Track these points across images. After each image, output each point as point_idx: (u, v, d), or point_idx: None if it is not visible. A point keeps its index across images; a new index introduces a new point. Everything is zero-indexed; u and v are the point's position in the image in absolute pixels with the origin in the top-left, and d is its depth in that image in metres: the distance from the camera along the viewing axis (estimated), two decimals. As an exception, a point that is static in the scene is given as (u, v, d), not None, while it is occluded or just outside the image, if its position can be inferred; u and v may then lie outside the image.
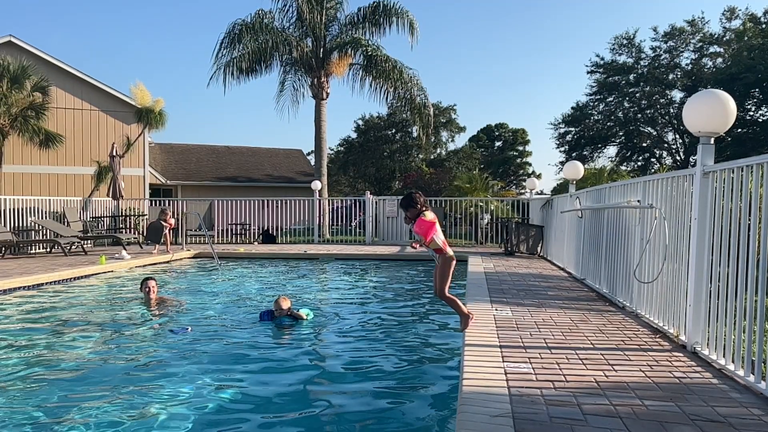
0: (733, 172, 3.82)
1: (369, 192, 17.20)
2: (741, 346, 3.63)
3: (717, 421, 2.95)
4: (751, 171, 3.60)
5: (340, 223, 21.03)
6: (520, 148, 48.59)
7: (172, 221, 13.64)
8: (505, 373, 3.68)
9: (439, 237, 4.75)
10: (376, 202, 16.84)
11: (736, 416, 3.02)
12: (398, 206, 4.93)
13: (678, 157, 36.09)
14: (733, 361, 3.72)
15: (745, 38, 32.37)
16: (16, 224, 13.34)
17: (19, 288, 8.29)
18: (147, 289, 7.31)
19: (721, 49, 34.06)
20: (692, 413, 3.05)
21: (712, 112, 4.17)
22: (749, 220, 3.57)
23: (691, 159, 33.94)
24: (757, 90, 30.85)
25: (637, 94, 35.89)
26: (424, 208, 4.74)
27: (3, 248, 12.15)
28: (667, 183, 5.01)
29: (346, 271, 11.32)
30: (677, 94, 35.08)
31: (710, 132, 4.23)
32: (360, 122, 43.93)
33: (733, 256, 3.74)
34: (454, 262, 4.87)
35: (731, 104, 4.15)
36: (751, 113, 32.39)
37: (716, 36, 34.14)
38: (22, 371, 4.53)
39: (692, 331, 4.28)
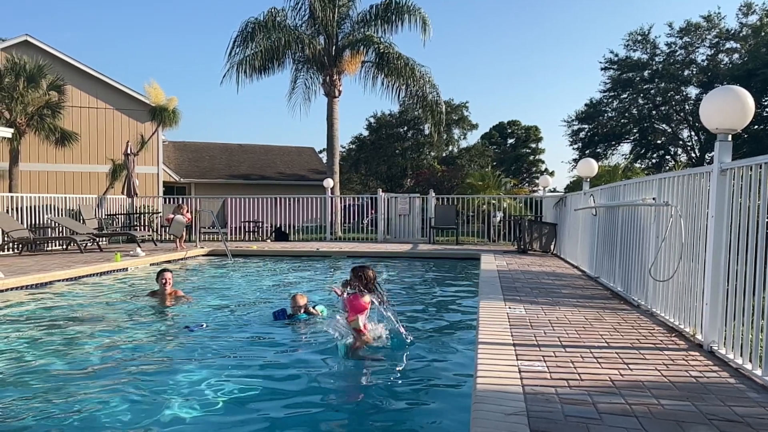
0: (751, 170, 3.77)
1: (381, 190, 17.20)
2: (759, 345, 3.59)
3: (734, 420, 2.93)
4: (770, 168, 3.56)
5: (352, 220, 21.04)
6: (533, 145, 48.26)
7: (189, 215, 13.78)
8: (519, 372, 3.66)
9: (362, 319, 4.87)
10: (387, 200, 16.84)
11: (754, 416, 2.99)
12: (351, 278, 5.03)
13: (693, 155, 35.70)
14: (750, 360, 3.68)
15: (762, 33, 31.92)
16: (33, 222, 13.52)
17: (36, 285, 8.40)
18: (163, 281, 7.35)
19: (738, 45, 33.59)
20: (709, 413, 3.02)
21: (729, 108, 4.12)
22: (767, 217, 3.54)
23: (706, 156, 33.57)
24: (774, 86, 30.40)
25: (652, 91, 35.50)
26: (365, 290, 4.87)
27: (20, 245, 12.34)
28: (683, 180, 4.96)
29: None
30: (692, 91, 34.70)
31: (728, 129, 4.18)
32: (372, 120, 43.93)
33: (750, 254, 3.70)
34: (363, 346, 4.91)
35: (749, 100, 4.10)
36: (769, 110, 31.93)
37: (733, 31, 33.66)
38: (36, 367, 4.58)
39: (709, 329, 4.24)
